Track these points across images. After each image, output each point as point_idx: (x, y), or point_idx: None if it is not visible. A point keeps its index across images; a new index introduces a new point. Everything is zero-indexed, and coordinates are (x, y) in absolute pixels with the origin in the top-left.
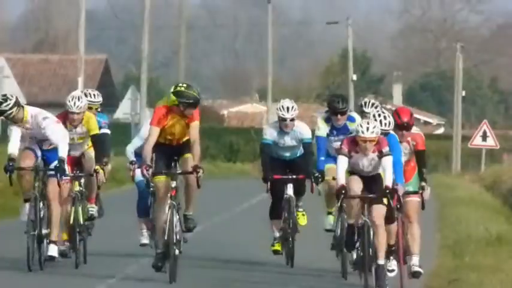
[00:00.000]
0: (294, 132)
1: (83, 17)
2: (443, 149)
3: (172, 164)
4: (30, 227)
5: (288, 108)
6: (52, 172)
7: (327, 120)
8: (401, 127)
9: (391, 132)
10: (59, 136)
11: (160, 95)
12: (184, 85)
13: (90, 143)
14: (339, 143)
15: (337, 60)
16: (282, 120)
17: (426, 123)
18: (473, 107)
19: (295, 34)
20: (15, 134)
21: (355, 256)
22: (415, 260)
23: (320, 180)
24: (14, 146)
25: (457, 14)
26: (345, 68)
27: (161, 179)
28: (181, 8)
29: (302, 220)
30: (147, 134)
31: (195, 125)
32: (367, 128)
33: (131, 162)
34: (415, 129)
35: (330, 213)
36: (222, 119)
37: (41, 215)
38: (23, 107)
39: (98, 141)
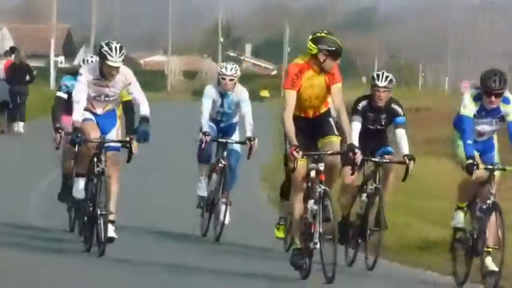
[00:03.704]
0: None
1: None
2: (275, 85)
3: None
4: (94, 206)
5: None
6: (114, 144)
7: (476, 98)
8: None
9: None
10: (141, 95)
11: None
12: (325, 31)
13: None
14: (485, 127)
15: (213, 27)
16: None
17: (266, 68)
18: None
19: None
20: (82, 96)
21: None
22: None
23: (476, 168)
24: (79, 112)
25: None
26: (217, 32)
27: (301, 162)
28: None
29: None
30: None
31: (338, 88)
32: None
33: (204, 133)
34: None
35: (460, 208)
36: (140, 66)
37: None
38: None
39: (130, 109)
